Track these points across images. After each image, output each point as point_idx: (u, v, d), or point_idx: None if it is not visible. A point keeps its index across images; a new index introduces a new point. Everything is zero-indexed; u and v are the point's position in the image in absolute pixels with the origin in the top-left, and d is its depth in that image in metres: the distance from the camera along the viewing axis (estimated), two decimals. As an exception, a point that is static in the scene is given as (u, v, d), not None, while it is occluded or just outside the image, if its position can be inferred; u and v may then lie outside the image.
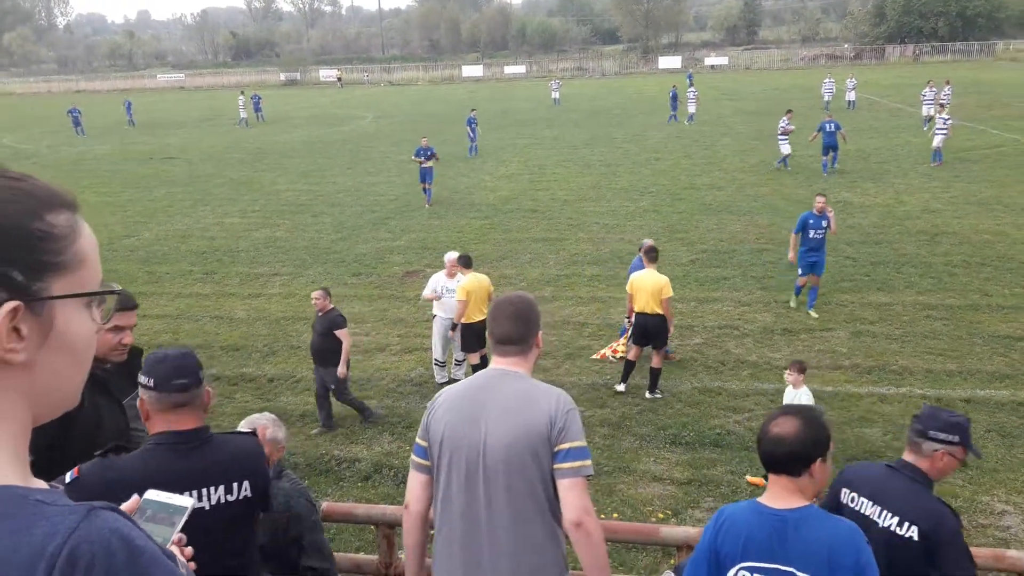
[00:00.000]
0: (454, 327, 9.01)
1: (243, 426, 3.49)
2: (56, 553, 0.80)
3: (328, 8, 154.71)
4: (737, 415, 8.15)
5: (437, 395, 2.83)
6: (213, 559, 2.58)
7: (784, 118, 20.94)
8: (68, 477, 2.38)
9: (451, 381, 9.07)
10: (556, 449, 2.58)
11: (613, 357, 9.62)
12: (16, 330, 0.83)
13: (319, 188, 21.32)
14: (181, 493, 2.34)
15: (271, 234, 16.47)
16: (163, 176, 24.02)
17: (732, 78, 56.75)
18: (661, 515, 6.47)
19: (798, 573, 2.38)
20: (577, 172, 22.22)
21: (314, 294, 8.41)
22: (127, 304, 3.08)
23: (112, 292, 0.95)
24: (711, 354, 9.68)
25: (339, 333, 8.18)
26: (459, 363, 9.37)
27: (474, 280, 9.01)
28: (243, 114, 38.20)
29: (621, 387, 8.79)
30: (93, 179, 24.06)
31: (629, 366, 8.84)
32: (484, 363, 9.13)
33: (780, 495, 2.49)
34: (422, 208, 18.27)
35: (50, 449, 2.46)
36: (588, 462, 2.60)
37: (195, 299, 12.57)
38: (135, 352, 3.15)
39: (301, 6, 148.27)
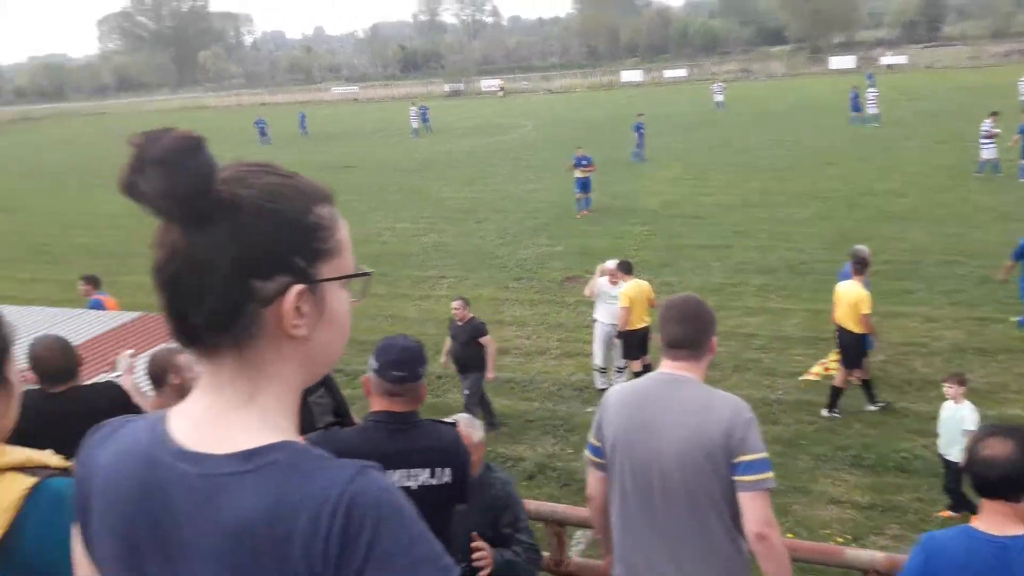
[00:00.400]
0: (619, 335, 8.96)
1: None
2: (336, 502, 0.87)
3: (489, 19, 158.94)
4: (924, 439, 7.56)
5: (607, 395, 2.80)
6: None
7: (988, 120, 19.19)
8: None
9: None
10: (735, 461, 2.50)
11: (824, 376, 8.62)
12: (298, 309, 0.93)
13: (482, 195, 21.91)
14: (392, 470, 2.62)
15: (439, 239, 17.11)
16: (341, 184, 25.44)
17: (912, 78, 52.86)
18: (840, 539, 6.13)
19: None
20: (743, 177, 21.51)
21: (454, 304, 8.60)
22: None
23: (366, 274, 1.07)
24: (895, 372, 9.06)
25: (483, 340, 8.32)
26: (620, 370, 9.29)
27: (635, 286, 8.94)
28: (415, 124, 39.88)
29: (827, 412, 8.21)
30: (278, 186, 25.96)
31: (836, 392, 8.21)
32: (647, 371, 9.01)
33: (996, 521, 2.30)
34: (582, 214, 18.30)
35: None
36: (770, 475, 2.51)
37: (371, 299, 13.23)
38: None
39: (464, 18, 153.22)
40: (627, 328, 8.83)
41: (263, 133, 40.05)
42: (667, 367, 2.73)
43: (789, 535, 6.13)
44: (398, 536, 0.88)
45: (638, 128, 25.87)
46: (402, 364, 2.66)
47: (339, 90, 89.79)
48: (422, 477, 2.66)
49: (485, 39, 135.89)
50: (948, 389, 6.45)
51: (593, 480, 2.84)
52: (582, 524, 4.43)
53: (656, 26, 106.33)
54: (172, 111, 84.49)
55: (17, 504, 1.34)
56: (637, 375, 8.93)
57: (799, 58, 76.08)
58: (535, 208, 19.63)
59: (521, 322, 11.75)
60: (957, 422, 6.22)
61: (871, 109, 30.57)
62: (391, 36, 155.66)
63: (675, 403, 2.61)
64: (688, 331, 2.71)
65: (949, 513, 6.29)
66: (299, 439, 0.96)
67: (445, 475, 2.69)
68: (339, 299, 1.00)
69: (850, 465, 7.22)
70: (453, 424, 3.00)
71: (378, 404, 2.71)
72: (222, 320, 0.91)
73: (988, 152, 19.04)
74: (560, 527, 4.18)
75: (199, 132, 0.90)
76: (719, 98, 42.32)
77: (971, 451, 2.39)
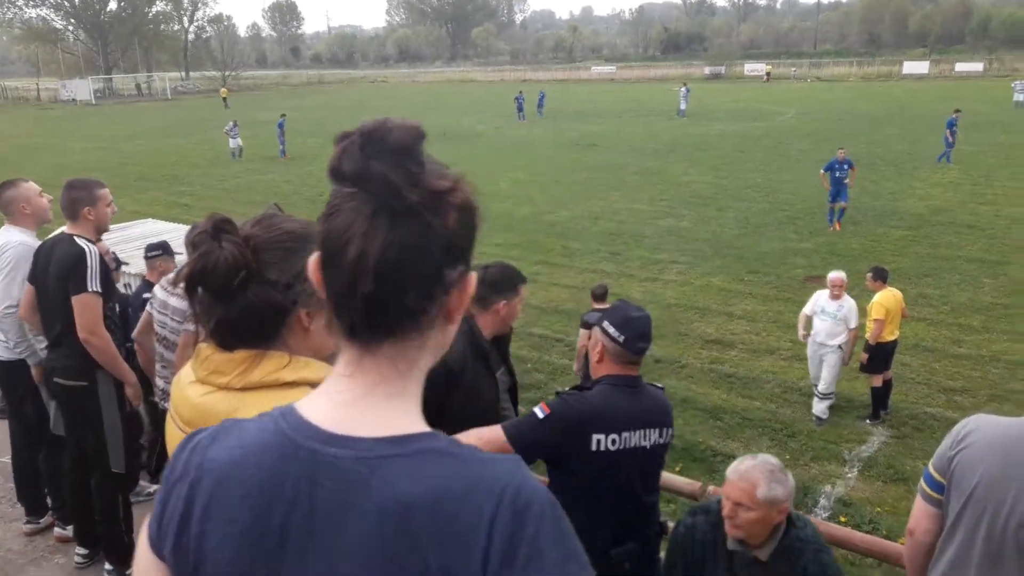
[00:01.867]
0: (867, 348, 8.24)
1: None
2: (504, 491, 0.88)
3: (763, 2, 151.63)
4: None
5: (966, 425, 2.33)
6: (645, 491, 3.00)
7: None
8: (540, 413, 2.79)
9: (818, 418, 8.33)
10: None
11: None
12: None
13: (727, 182, 21.15)
14: (632, 430, 2.81)
15: (675, 223, 16.81)
16: (585, 162, 25.89)
17: None
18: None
19: None
20: (1036, 187, 18.82)
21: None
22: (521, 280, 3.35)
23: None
24: None
25: None
26: (825, 396, 8.43)
27: (891, 296, 8.22)
28: (683, 105, 39.37)
29: None
30: (526, 158, 26.91)
31: None
32: (886, 387, 8.30)
33: None
34: (834, 227, 16.29)
35: (437, 412, 2.72)
36: None
37: (598, 276, 13.39)
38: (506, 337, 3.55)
39: (736, 0, 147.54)
40: (878, 341, 8.17)
41: (520, 108, 41.52)
42: None
43: None
44: (554, 531, 0.89)
45: (951, 124, 22.93)
46: (646, 337, 2.87)
47: (598, 70, 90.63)
48: (653, 436, 2.89)
49: (754, 22, 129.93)
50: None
51: (923, 515, 2.47)
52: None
53: (955, 15, 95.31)
54: (442, 82, 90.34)
55: None
56: (874, 391, 8.26)
57: None
58: (784, 200, 18.60)
59: (751, 317, 11.26)
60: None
61: None
62: (658, 17, 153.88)
63: None
64: None
65: None
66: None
67: (667, 435, 2.95)
68: None
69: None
70: (662, 387, 3.13)
71: (614, 368, 2.88)
72: (420, 310, 0.93)
73: None
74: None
75: (421, 123, 0.93)
76: (1020, 97, 37.48)
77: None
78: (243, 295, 1.49)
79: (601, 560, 2.79)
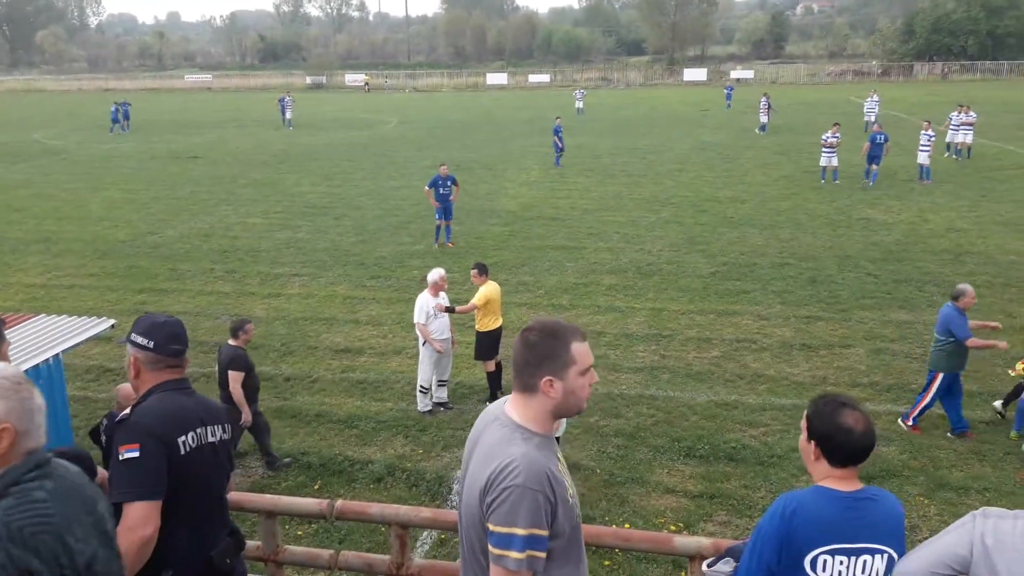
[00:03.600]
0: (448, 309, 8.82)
1: None
2: None
3: (356, 13, 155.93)
4: (753, 429, 8.08)
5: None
6: (223, 486, 3.14)
7: (830, 131, 20.90)
8: (133, 453, 2.66)
9: (436, 406, 8.92)
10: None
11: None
12: None
13: (342, 191, 21.45)
14: (203, 426, 2.86)
15: (292, 235, 16.59)
16: (188, 176, 24.26)
17: (758, 92, 56.42)
18: (673, 527, 6.42)
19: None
20: (599, 181, 22.20)
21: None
22: None
23: None
24: (728, 367, 9.61)
25: None
26: (443, 383, 9.01)
27: (492, 287, 9.03)
28: (288, 115, 38.78)
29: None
30: (118, 175, 24.36)
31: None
32: (498, 370, 9.12)
33: (847, 481, 2.53)
34: (442, 244, 16.68)
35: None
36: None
37: (216, 298, 12.66)
38: None
39: (329, 11, 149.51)
40: (483, 329, 8.89)
41: (115, 120, 37.62)
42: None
43: (626, 525, 6.38)
44: None
45: (557, 132, 25.05)
46: (181, 339, 2.92)
47: (192, 78, 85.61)
48: (219, 432, 2.97)
49: (351, 33, 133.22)
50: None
51: None
52: (426, 525, 4.39)
53: (522, 31, 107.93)
54: (4, 92, 77.73)
55: None
56: (489, 376, 9.02)
57: (656, 69, 79.47)
58: (395, 206, 19.43)
59: (377, 321, 11.58)
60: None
61: (763, 118, 32.63)
62: (251, 25, 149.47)
63: None
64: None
65: None
66: None
67: (228, 430, 3.06)
68: None
69: (685, 456, 7.58)
70: None
71: (159, 377, 2.86)
72: None
73: (827, 160, 20.71)
74: (404, 529, 4.12)
75: None
76: (580, 104, 43.58)
77: (828, 423, 2.52)
78: None
79: (203, 564, 2.84)
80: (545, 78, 75.15)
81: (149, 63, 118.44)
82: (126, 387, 5.25)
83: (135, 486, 2.63)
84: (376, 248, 15.55)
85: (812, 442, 2.56)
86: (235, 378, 7.38)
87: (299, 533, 6.45)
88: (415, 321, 8.78)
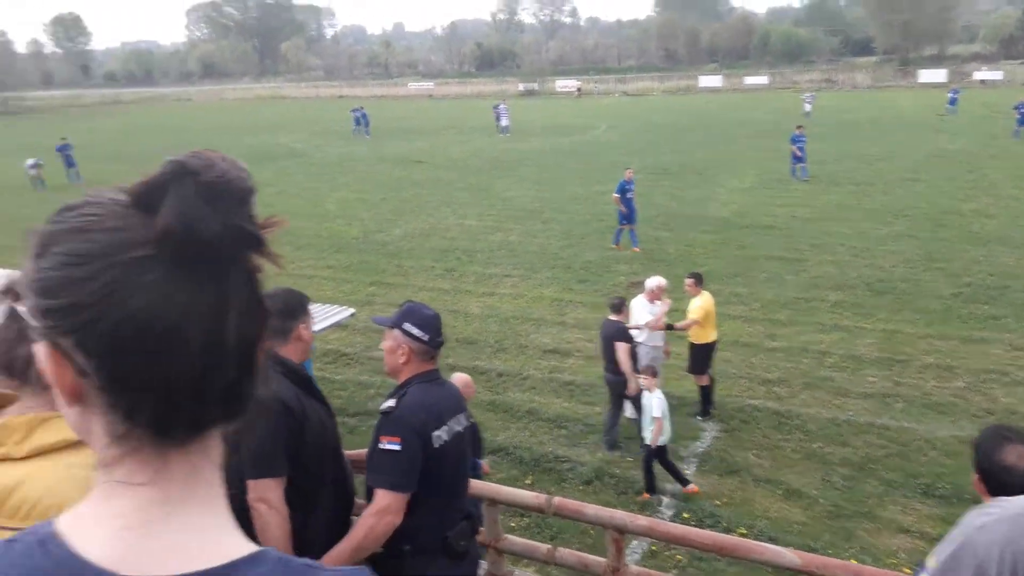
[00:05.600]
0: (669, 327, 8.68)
1: None
2: None
3: (568, 20, 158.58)
4: (1005, 472, 7.20)
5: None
6: (466, 470, 3.33)
7: None
8: (393, 446, 2.86)
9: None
10: None
11: None
12: None
13: (550, 196, 21.83)
14: (452, 416, 3.06)
15: (504, 237, 17.11)
16: (412, 179, 25.79)
17: (1007, 94, 50.59)
18: (907, 570, 5.86)
19: None
20: (822, 189, 20.90)
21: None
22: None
23: None
24: (975, 401, 8.64)
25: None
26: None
27: (708, 299, 8.77)
28: (503, 123, 39.99)
29: None
30: (351, 177, 26.40)
31: None
32: (711, 384, 8.81)
33: None
34: (646, 220, 17.32)
35: (293, 459, 2.76)
36: None
37: (436, 294, 13.32)
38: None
39: (542, 17, 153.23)
40: (698, 342, 8.67)
41: (357, 123, 41.13)
42: None
43: (852, 560, 5.90)
44: None
45: (795, 141, 22.46)
46: (441, 331, 3.09)
47: (415, 86, 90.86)
48: (463, 420, 3.14)
49: (562, 39, 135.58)
50: (643, 380, 7.45)
51: None
52: (643, 533, 4.31)
53: (738, 32, 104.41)
54: (252, 99, 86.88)
55: None
56: (702, 390, 8.75)
57: (886, 70, 73.66)
58: (603, 210, 19.41)
59: (584, 325, 11.63)
60: (648, 409, 7.33)
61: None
62: (469, 34, 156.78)
63: None
64: None
65: (647, 496, 7.18)
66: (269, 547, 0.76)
67: (469, 417, 3.24)
68: None
69: (922, 494, 6.90)
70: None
71: (420, 367, 3.06)
72: (250, 386, 0.75)
73: None
74: (620, 534, 4.08)
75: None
76: (808, 107, 41.22)
77: (990, 458, 2.38)
78: None
79: (440, 544, 3.00)
80: (763, 80, 72.04)
81: (377, 71, 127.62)
82: None
83: (391, 476, 2.86)
84: (583, 252, 15.65)
85: (977, 476, 2.44)
86: (623, 349, 7.86)
87: (512, 524, 6.59)
88: (638, 326, 8.69)
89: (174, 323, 0.67)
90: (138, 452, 0.71)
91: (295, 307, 3.02)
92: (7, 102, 76.37)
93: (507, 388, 9.59)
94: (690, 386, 9.12)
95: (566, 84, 77.44)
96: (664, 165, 25.84)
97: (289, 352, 2.95)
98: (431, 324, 3.04)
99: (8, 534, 1.15)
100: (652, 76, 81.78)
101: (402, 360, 3.04)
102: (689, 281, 8.97)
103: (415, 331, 3.00)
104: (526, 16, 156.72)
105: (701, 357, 8.74)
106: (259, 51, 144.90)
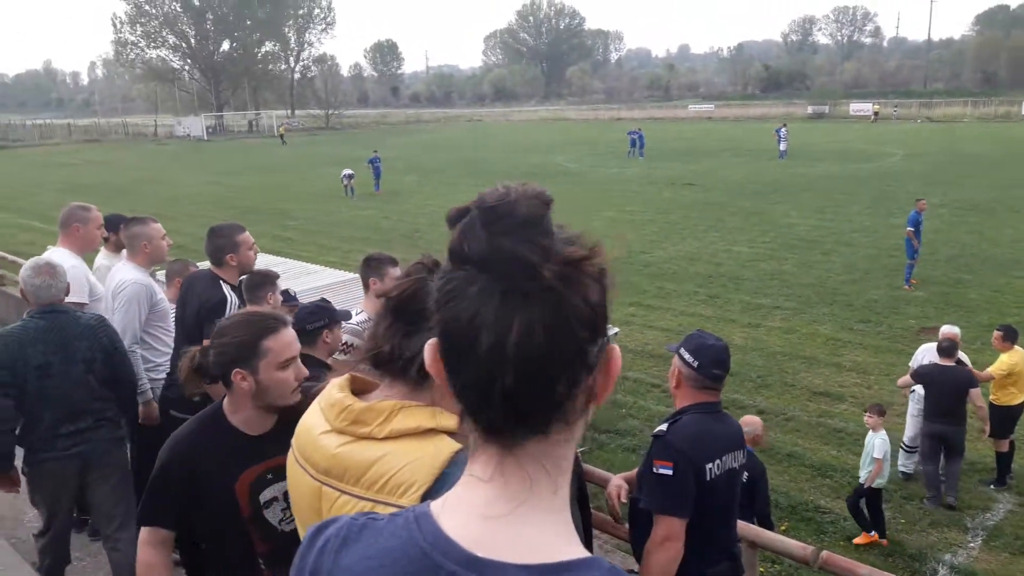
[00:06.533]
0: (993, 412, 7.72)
1: None
2: None
3: (868, 40, 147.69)
4: None
5: None
6: (735, 510, 3.31)
7: None
8: (667, 471, 2.89)
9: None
10: None
11: None
12: None
13: (833, 225, 20.36)
14: (727, 452, 3.02)
15: (777, 267, 16.23)
16: (681, 201, 25.48)
17: None
18: None
19: None
20: None
21: None
22: None
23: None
24: None
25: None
26: (910, 449, 7.95)
27: (1019, 355, 7.63)
28: (783, 147, 38.08)
29: None
30: (620, 197, 26.69)
31: None
32: (1011, 451, 7.66)
33: None
34: (946, 260, 15.96)
35: None
36: None
37: (696, 320, 12.98)
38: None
39: (839, 38, 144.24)
40: (1000, 403, 7.62)
41: (633, 144, 41.29)
42: None
43: None
44: None
45: None
46: (721, 364, 3.05)
47: (695, 108, 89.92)
48: (740, 457, 3.12)
49: (860, 60, 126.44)
50: (868, 419, 7.06)
51: None
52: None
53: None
54: (536, 121, 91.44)
55: (443, 465, 1.46)
56: (999, 456, 7.65)
57: None
58: (893, 245, 17.67)
59: (862, 369, 10.67)
60: (868, 449, 6.94)
61: None
62: (757, 55, 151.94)
63: None
64: None
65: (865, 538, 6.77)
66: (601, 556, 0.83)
67: (744, 455, 3.22)
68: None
69: None
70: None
71: (695, 396, 3.05)
72: (569, 399, 0.81)
73: None
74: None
75: (546, 189, 0.86)
76: None
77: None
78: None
79: None
80: (1104, 107, 61.58)
81: (657, 94, 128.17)
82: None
83: (667, 500, 2.90)
84: (867, 290, 14.36)
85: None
86: (978, 395, 7.39)
87: (761, 570, 6.19)
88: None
89: (467, 329, 0.78)
90: (484, 451, 0.84)
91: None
92: (330, 119, 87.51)
93: (769, 427, 8.99)
94: (985, 450, 7.99)
95: (860, 107, 71.98)
96: (972, 200, 22.98)
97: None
98: (706, 352, 3.01)
99: (364, 504, 1.48)
100: (963, 101, 73.28)
101: (674, 384, 3.13)
102: (997, 334, 7.89)
103: (687, 356, 3.03)
104: (821, 36, 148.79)
105: (1003, 420, 7.63)
106: (547, 75, 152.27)
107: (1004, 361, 7.63)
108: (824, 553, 3.78)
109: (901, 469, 7.89)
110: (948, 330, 7.85)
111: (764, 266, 16.32)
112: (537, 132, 67.91)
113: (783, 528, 6.92)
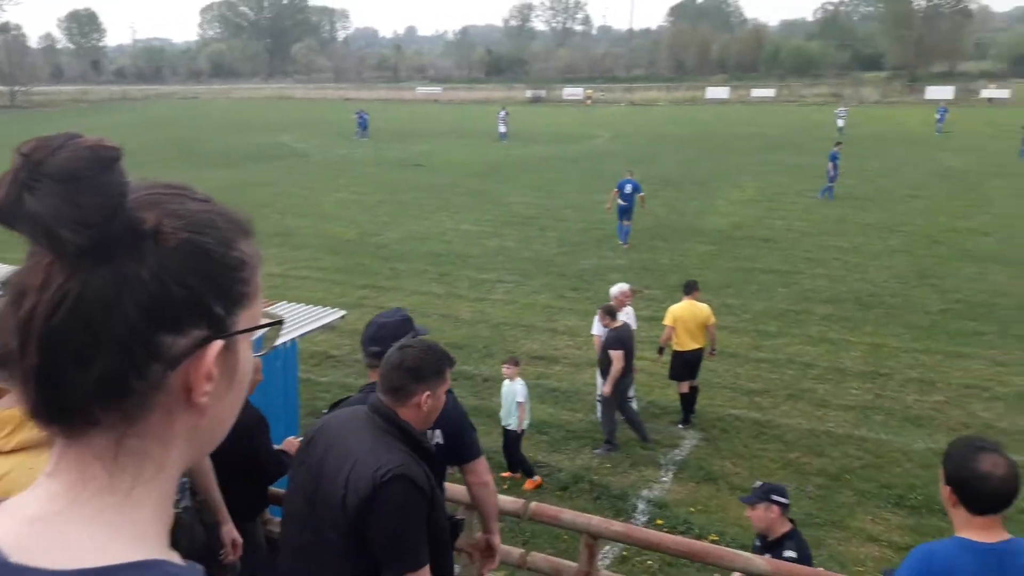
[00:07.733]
0: (660, 351, 8.90)
1: None
2: None
3: (580, 28, 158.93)
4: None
5: None
6: None
7: None
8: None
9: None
10: None
11: None
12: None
13: (548, 203, 21.93)
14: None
15: (500, 243, 17.20)
16: (411, 182, 25.92)
17: (1014, 113, 50.62)
18: (873, 581, 5.93)
19: None
20: (821, 203, 20.99)
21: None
22: None
23: (279, 322, 0.90)
24: (953, 415, 8.70)
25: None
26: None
27: (687, 307, 8.82)
28: (503, 129, 39.91)
29: None
30: (350, 178, 26.54)
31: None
32: (692, 393, 8.89)
33: (987, 531, 2.37)
34: (643, 229, 17.71)
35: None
36: None
37: (427, 298, 13.41)
38: None
39: (554, 25, 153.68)
40: (677, 350, 8.76)
41: (362, 126, 40.99)
42: None
43: (820, 568, 5.97)
44: None
45: (834, 158, 21.67)
46: (374, 340, 3.23)
47: (423, 90, 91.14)
48: (436, 438, 3.19)
49: (572, 47, 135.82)
50: (505, 369, 7.89)
51: None
52: (617, 539, 4.39)
53: (748, 44, 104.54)
54: (259, 99, 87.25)
55: None
56: (683, 397, 8.83)
57: (894, 86, 73.69)
58: (600, 219, 19.51)
59: (574, 332, 11.72)
60: (512, 396, 7.75)
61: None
62: (480, 39, 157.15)
63: None
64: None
65: (509, 474, 7.72)
66: (174, 556, 0.73)
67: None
68: (248, 356, 0.80)
69: (894, 504, 6.98)
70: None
71: (372, 377, 3.17)
72: (115, 388, 0.69)
73: None
74: (593, 539, 4.15)
75: (115, 142, 0.71)
76: (841, 123, 38.86)
77: (963, 467, 2.40)
78: None
79: None
80: (769, 92, 72.13)
81: (386, 75, 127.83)
82: None
83: None
84: (578, 260, 15.74)
85: (948, 487, 2.44)
86: (616, 357, 8.05)
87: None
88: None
89: (15, 295, 0.68)
90: (55, 444, 0.72)
91: (424, 369, 2.66)
92: (16, 96, 76.71)
93: (492, 393, 9.64)
94: (673, 395, 9.20)
95: (573, 92, 77.63)
96: (665, 175, 25.90)
97: (408, 416, 2.63)
98: (366, 329, 3.25)
99: None
100: (659, 86, 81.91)
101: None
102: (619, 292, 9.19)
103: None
104: (538, 23, 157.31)
105: (677, 365, 8.82)
106: (270, 51, 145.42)
107: (669, 311, 8.83)
108: (532, 505, 4.19)
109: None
110: (617, 288, 9.03)
111: (488, 243, 17.21)
112: (261, 110, 64.88)
113: (506, 486, 7.49)
